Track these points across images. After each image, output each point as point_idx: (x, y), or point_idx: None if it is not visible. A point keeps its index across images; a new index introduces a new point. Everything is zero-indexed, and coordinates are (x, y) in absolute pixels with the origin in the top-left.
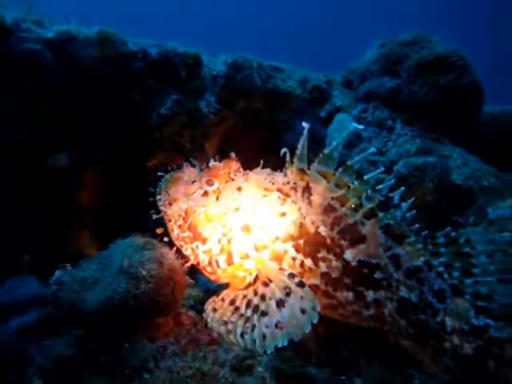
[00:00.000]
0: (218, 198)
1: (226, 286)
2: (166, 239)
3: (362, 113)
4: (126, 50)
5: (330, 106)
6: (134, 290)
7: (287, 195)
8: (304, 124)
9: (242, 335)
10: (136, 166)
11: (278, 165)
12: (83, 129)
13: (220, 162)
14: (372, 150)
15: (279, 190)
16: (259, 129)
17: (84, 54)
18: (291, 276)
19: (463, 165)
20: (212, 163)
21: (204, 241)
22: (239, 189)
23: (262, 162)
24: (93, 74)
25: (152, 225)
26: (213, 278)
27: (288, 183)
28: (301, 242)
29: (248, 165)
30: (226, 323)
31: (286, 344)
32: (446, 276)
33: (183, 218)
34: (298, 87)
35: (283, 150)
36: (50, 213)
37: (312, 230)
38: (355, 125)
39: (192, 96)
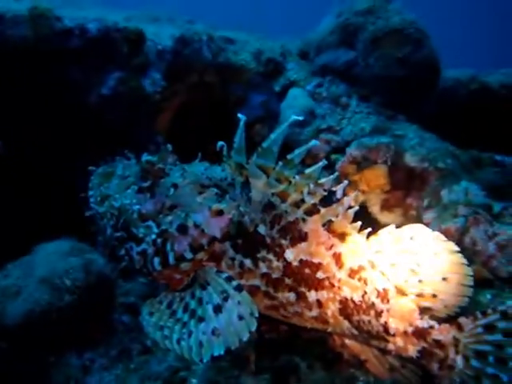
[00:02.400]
0: (152, 196)
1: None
2: (99, 238)
3: (316, 87)
4: (62, 27)
5: (284, 79)
6: (57, 301)
7: (225, 192)
8: (240, 116)
9: (178, 341)
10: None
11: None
12: (16, 115)
13: (155, 155)
14: (313, 142)
15: (216, 186)
16: (212, 103)
17: (14, 33)
18: (229, 279)
19: (419, 145)
20: (145, 157)
21: (138, 241)
22: (175, 186)
23: (199, 154)
24: (24, 55)
25: (84, 222)
26: (150, 279)
27: (226, 179)
28: (239, 241)
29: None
30: (162, 328)
31: (222, 353)
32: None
33: (116, 217)
34: (251, 60)
35: (219, 144)
36: None
37: (251, 228)
38: (294, 116)
39: (136, 74)
